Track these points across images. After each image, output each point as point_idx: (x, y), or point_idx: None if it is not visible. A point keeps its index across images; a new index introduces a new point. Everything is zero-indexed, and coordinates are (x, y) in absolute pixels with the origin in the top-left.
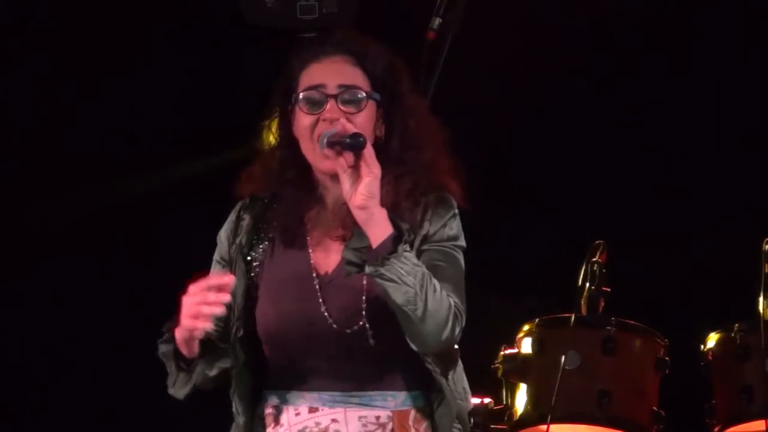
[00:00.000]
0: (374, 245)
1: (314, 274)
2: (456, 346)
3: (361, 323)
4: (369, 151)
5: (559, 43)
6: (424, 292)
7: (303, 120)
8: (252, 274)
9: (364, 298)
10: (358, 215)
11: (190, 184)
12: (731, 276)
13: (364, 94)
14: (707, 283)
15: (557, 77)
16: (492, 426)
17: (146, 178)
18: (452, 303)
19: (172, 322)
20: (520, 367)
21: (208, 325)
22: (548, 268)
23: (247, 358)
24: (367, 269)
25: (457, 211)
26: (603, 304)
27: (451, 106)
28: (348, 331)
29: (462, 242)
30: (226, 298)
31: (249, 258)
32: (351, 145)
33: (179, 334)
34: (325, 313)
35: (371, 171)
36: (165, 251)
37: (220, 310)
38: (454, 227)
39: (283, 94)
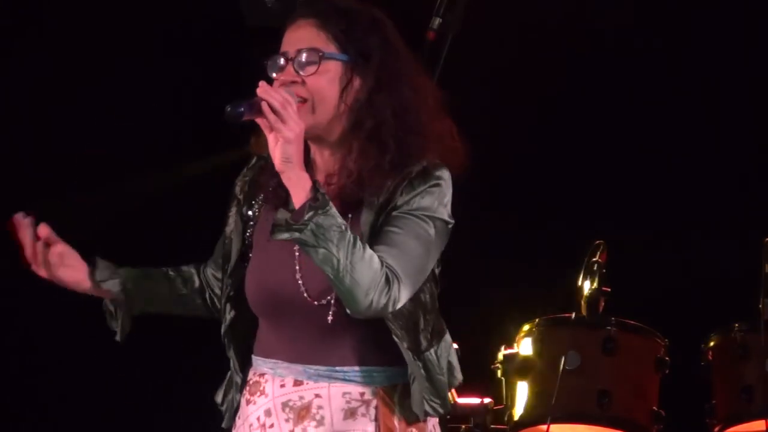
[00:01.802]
0: (296, 207)
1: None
2: (443, 323)
3: (329, 298)
4: (273, 115)
5: (560, 43)
6: (345, 254)
7: (274, 84)
8: (247, 233)
9: None
10: (282, 178)
11: (190, 185)
12: (731, 276)
13: (317, 56)
14: (707, 283)
15: (558, 77)
16: (492, 426)
17: (144, 179)
18: (384, 266)
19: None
20: (520, 367)
21: (44, 274)
22: (548, 268)
23: (236, 319)
24: (277, 235)
25: (439, 182)
26: (603, 304)
27: (450, 106)
28: (316, 303)
29: (437, 213)
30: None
31: (245, 218)
32: (225, 118)
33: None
34: (300, 281)
35: (283, 134)
36: (164, 252)
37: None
38: (428, 198)
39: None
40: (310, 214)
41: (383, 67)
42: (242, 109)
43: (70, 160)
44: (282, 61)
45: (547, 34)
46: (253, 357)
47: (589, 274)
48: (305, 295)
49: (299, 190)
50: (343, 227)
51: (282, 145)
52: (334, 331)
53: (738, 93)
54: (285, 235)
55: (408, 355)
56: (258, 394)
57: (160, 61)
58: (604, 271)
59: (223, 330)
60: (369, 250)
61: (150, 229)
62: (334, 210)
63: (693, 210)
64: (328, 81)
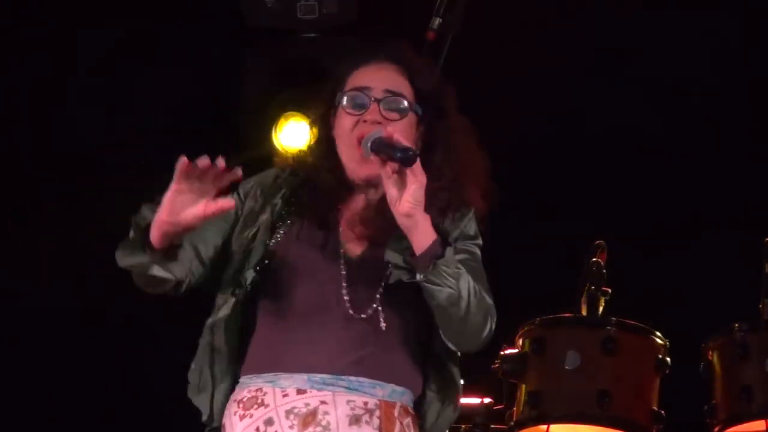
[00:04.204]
0: (418, 250)
1: (342, 257)
2: None
3: (374, 307)
4: (415, 165)
5: (560, 43)
6: (467, 294)
7: (345, 120)
8: (272, 242)
9: (380, 289)
10: (403, 222)
11: None
12: (731, 276)
13: (407, 104)
14: (707, 283)
15: (558, 76)
16: (492, 426)
17: (143, 180)
18: (489, 304)
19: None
20: (520, 367)
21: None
22: (548, 268)
23: (240, 313)
24: (418, 276)
25: (471, 210)
26: (603, 304)
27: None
28: (362, 315)
29: (480, 241)
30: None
31: (274, 226)
32: (402, 159)
33: (157, 220)
34: (346, 297)
35: (417, 179)
36: None
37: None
38: (472, 227)
39: (328, 95)
40: (441, 254)
41: (451, 126)
42: (411, 153)
43: (70, 160)
44: (365, 98)
45: (548, 33)
46: (246, 377)
47: (589, 274)
48: (350, 311)
49: (424, 232)
50: (461, 267)
51: (416, 189)
52: (344, 342)
53: (738, 93)
54: (418, 277)
55: (457, 378)
56: (255, 407)
57: (160, 61)
58: (604, 271)
59: (218, 318)
60: (478, 288)
61: None
62: (451, 250)
63: (693, 210)
64: (407, 129)
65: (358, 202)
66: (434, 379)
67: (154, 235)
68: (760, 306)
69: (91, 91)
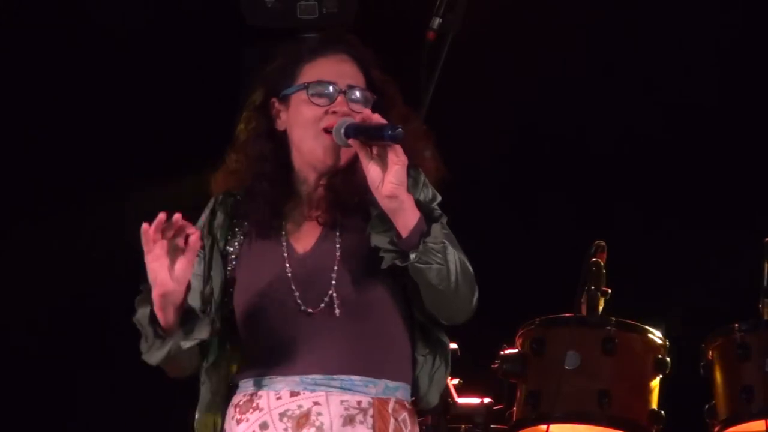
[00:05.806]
0: (404, 232)
1: (286, 258)
2: None
3: (328, 297)
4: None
5: (560, 42)
6: (455, 267)
7: (308, 111)
8: (229, 268)
9: (333, 275)
10: (387, 204)
11: (189, 185)
12: (731, 276)
13: (369, 96)
14: (707, 283)
15: (557, 75)
16: (492, 426)
17: (142, 182)
18: (472, 272)
19: (148, 283)
20: (520, 367)
21: (183, 274)
22: (548, 268)
23: (221, 352)
24: (411, 257)
25: (422, 175)
26: (603, 304)
27: (451, 106)
28: (321, 305)
29: (439, 198)
30: (193, 231)
31: (225, 253)
32: (392, 136)
33: (156, 299)
34: (296, 293)
35: (400, 159)
36: None
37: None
38: (429, 190)
39: (270, 88)
40: (427, 232)
41: (398, 116)
42: (400, 130)
43: (70, 159)
44: (333, 89)
45: (547, 33)
46: (243, 381)
47: (589, 274)
48: (303, 306)
49: (409, 212)
50: (443, 240)
51: (399, 170)
52: (332, 340)
53: (738, 92)
54: (411, 257)
55: (445, 339)
56: (250, 411)
57: (160, 60)
58: (604, 271)
59: (209, 364)
60: (459, 256)
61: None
62: (437, 226)
63: (693, 209)
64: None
65: (302, 199)
66: (421, 345)
67: (163, 319)
68: (760, 306)
69: (91, 91)
